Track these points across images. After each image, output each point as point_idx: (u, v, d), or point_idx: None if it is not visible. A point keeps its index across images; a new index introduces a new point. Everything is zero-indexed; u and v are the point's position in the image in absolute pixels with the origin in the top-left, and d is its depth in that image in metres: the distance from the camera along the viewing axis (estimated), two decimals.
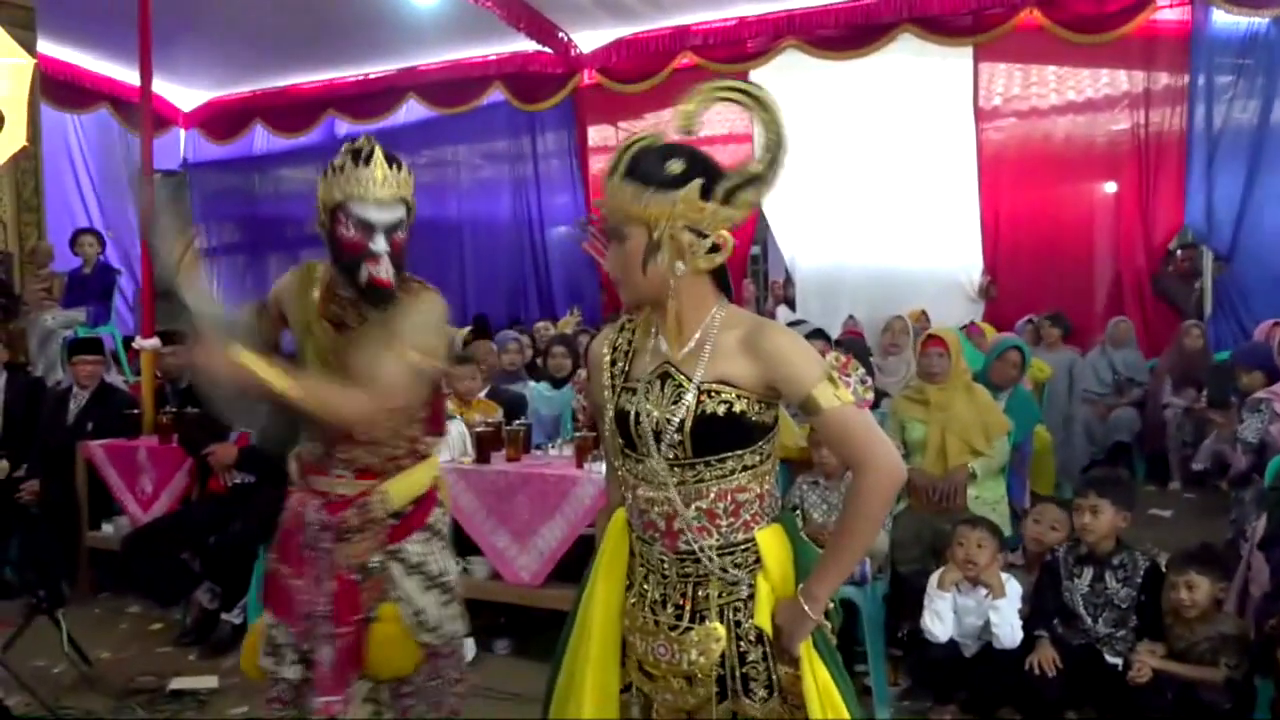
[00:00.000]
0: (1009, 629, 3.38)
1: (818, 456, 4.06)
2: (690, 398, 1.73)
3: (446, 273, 9.53)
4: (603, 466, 4.11)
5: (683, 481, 1.76)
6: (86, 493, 5.38)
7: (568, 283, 9.85)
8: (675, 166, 1.70)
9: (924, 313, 7.47)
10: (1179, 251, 8.01)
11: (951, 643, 3.51)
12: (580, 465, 4.21)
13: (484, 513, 4.20)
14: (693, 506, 1.76)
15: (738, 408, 1.72)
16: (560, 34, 9.02)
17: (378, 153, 2.20)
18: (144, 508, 5.17)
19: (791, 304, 8.98)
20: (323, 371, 2.24)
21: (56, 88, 8.95)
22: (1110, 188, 8.12)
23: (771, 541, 1.80)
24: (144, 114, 5.97)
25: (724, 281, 1.84)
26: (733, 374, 1.73)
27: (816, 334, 5.33)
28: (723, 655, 1.78)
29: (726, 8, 8.52)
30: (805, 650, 1.77)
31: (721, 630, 1.77)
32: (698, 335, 1.78)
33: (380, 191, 2.19)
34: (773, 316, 9.06)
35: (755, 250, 10.80)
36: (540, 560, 4.14)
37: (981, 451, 4.36)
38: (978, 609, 3.48)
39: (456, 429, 4.56)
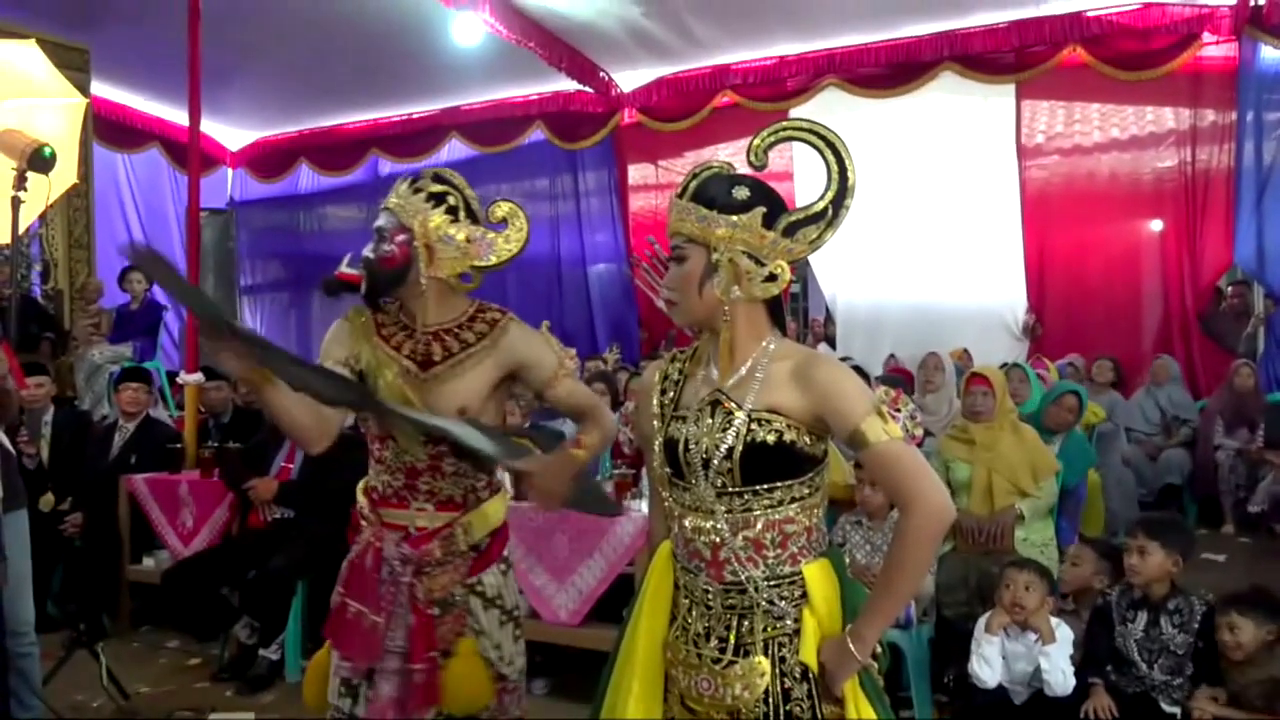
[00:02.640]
0: (1060, 676, 3.28)
1: (861, 495, 3.99)
2: (740, 425, 1.74)
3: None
4: (643, 505, 4.24)
5: (730, 510, 1.76)
6: (129, 526, 5.41)
7: (609, 321, 9.85)
8: (741, 193, 1.75)
9: (966, 351, 7.39)
10: (1229, 289, 7.86)
11: (1000, 689, 3.41)
12: (619, 503, 4.16)
13: (522, 550, 4.16)
14: (740, 536, 1.76)
15: (788, 437, 1.73)
16: (601, 73, 9.07)
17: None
18: (185, 542, 5.21)
19: (832, 342, 8.89)
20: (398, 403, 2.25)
21: (108, 128, 9.12)
22: (1156, 226, 7.98)
23: (819, 576, 1.78)
24: (191, 153, 6.09)
25: (779, 314, 1.86)
26: (783, 404, 1.74)
27: (856, 370, 5.22)
28: (766, 691, 1.75)
29: (766, 47, 8.53)
30: (851, 690, 1.74)
31: (766, 665, 1.75)
32: (749, 364, 1.80)
33: (385, 202, 2.30)
34: None
35: (795, 288, 10.74)
36: (579, 599, 4.11)
37: (1029, 492, 4.29)
38: (1027, 654, 3.38)
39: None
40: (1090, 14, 7.54)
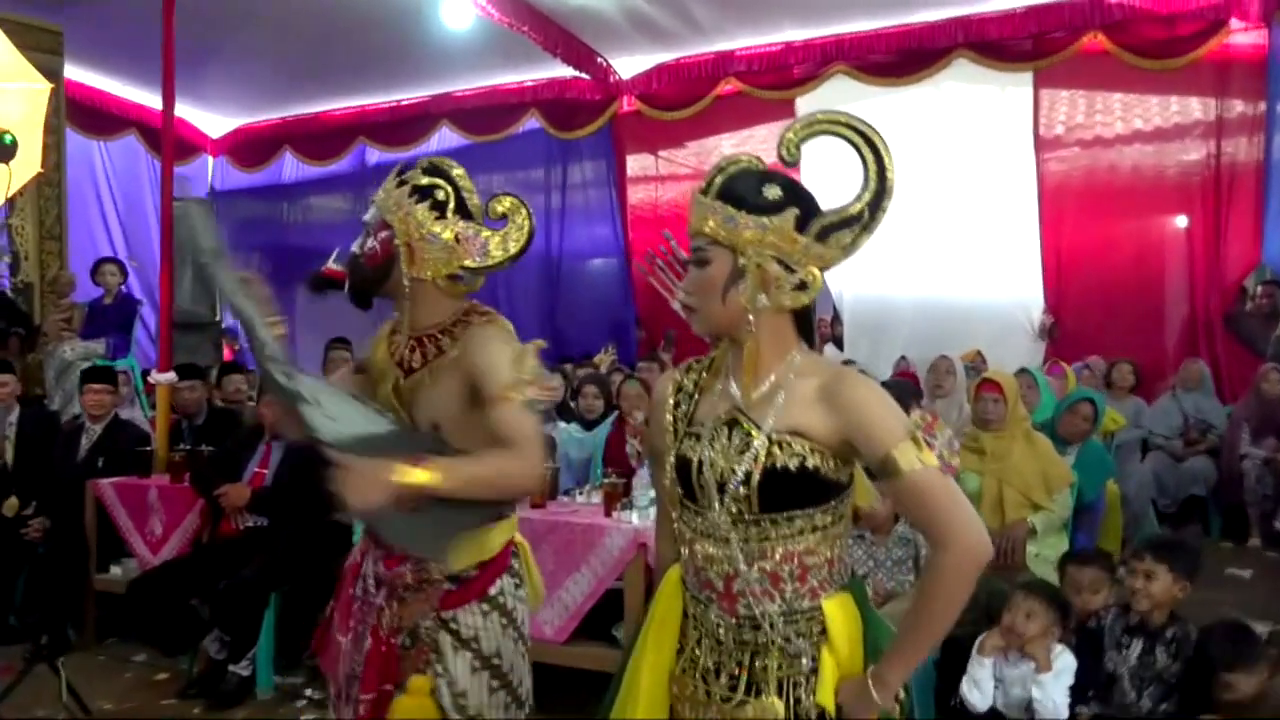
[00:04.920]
0: (1052, 706, 3.08)
1: (862, 510, 3.74)
2: (759, 448, 1.62)
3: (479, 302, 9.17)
4: (633, 516, 3.95)
5: (746, 539, 1.64)
6: (95, 533, 5.15)
7: (606, 318, 9.56)
8: (772, 192, 1.62)
9: (979, 353, 7.13)
10: (1258, 289, 7.59)
11: (995, 713, 3.20)
12: (609, 514, 4.02)
13: None
14: (755, 567, 1.64)
15: (811, 462, 1.60)
16: (598, 59, 8.81)
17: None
18: (153, 550, 4.97)
19: (839, 343, 8.60)
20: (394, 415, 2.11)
21: (83, 114, 8.82)
22: (1181, 222, 7.70)
23: (839, 612, 1.66)
24: (165, 139, 5.75)
25: (807, 326, 1.72)
26: (807, 425, 1.61)
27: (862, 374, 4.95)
28: None
29: (772, 32, 8.27)
30: None
31: (779, 706, 1.64)
32: (772, 379, 1.67)
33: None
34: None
35: None
36: (565, 615, 3.97)
37: (1041, 505, 4.15)
38: (1022, 680, 3.18)
39: None
40: None
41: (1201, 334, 7.53)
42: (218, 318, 10.34)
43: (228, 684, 4.31)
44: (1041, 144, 7.84)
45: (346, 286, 2.11)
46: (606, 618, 4.00)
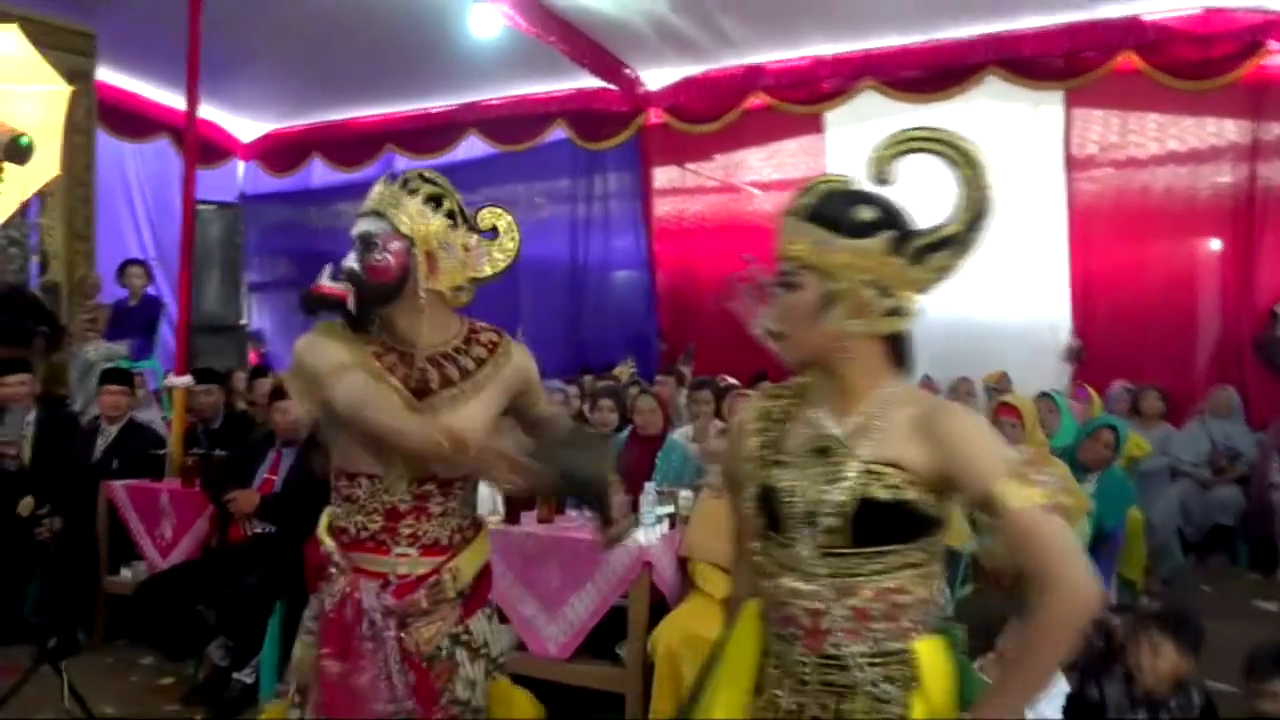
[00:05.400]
0: None
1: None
2: (852, 478, 1.55)
3: (502, 315, 9.09)
4: (640, 534, 3.87)
5: (835, 574, 1.57)
6: (107, 534, 5.18)
7: (628, 331, 9.48)
8: (866, 214, 1.56)
9: (1004, 375, 7.04)
10: None
11: None
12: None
13: (510, 577, 3.94)
14: (844, 604, 1.56)
15: (906, 495, 1.53)
16: (626, 71, 8.75)
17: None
18: (163, 554, 5.00)
19: None
20: None
21: (115, 116, 8.85)
22: (1214, 245, 7.56)
23: (933, 656, 1.58)
24: (187, 140, 5.77)
25: (903, 352, 1.64)
26: (903, 457, 1.55)
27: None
28: None
29: (801, 46, 8.18)
30: None
31: None
32: (865, 409, 1.60)
33: (364, 205, 2.02)
34: None
35: None
36: (569, 632, 3.94)
37: None
38: None
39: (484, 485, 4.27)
40: (1147, 18, 7.17)
41: (1231, 360, 7.38)
42: (243, 320, 10.40)
43: (231, 691, 4.29)
44: (1073, 163, 7.72)
45: (351, 304, 1.98)
46: (610, 635, 3.98)
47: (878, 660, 1.57)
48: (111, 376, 5.60)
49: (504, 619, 3.93)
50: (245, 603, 4.25)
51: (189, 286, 5.72)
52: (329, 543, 2.08)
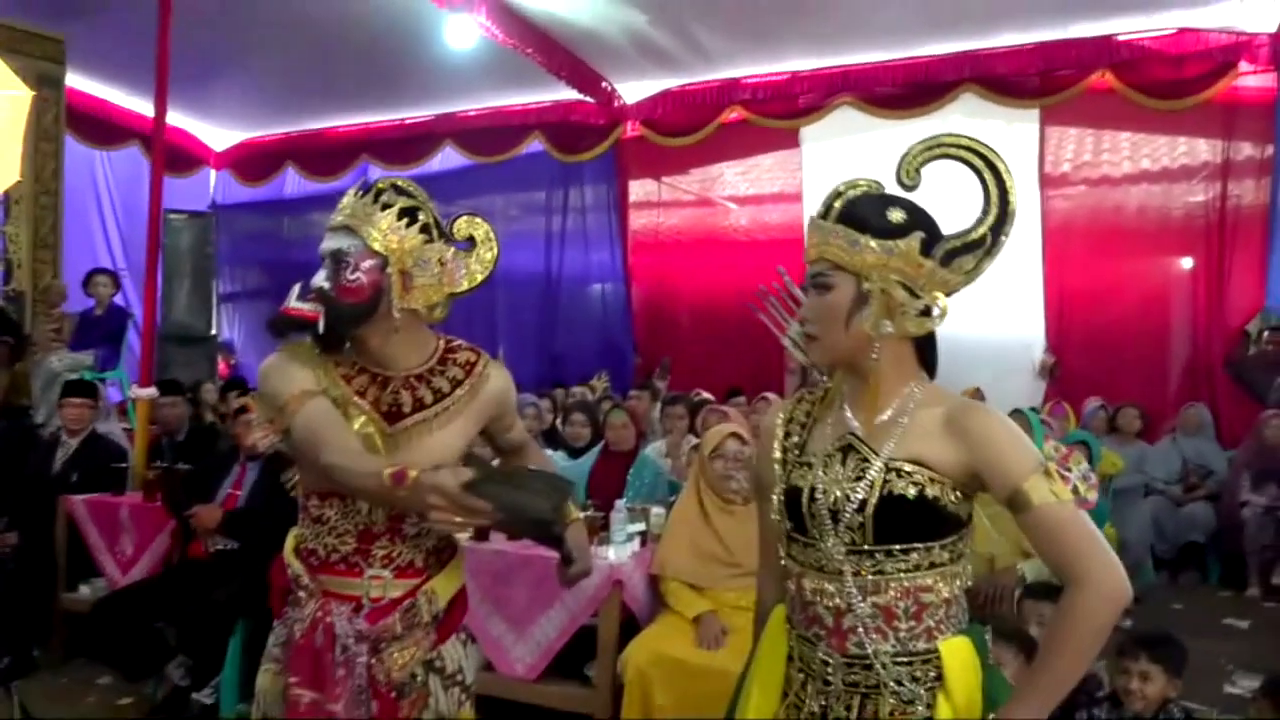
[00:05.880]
0: None
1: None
2: (875, 475, 1.57)
3: (477, 327, 9.17)
4: (609, 552, 3.82)
5: (859, 571, 1.57)
6: (65, 550, 5.04)
7: (604, 344, 9.46)
8: (896, 216, 1.58)
9: (978, 391, 7.01)
10: (1265, 334, 7.48)
11: None
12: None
13: (478, 595, 3.82)
14: (868, 601, 1.57)
15: (930, 492, 1.54)
16: (604, 83, 8.74)
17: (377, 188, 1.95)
18: (123, 570, 4.87)
19: None
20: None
21: (84, 123, 8.76)
22: (1185, 264, 7.64)
23: (958, 656, 1.58)
24: (155, 147, 5.68)
25: (929, 354, 1.67)
26: (929, 455, 1.56)
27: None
28: None
29: (778, 61, 8.20)
30: None
31: None
32: (892, 409, 1.62)
33: (333, 219, 1.90)
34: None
35: None
36: (537, 652, 3.86)
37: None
38: None
39: None
40: (1121, 38, 7.25)
41: (1203, 378, 7.45)
42: (214, 331, 10.28)
43: (191, 711, 4.16)
44: (1046, 181, 7.77)
45: (322, 326, 1.87)
46: (579, 656, 3.90)
47: (903, 659, 1.57)
48: (74, 388, 5.49)
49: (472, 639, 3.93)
50: (206, 621, 4.13)
51: (154, 296, 5.63)
52: (296, 565, 1.98)
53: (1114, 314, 7.63)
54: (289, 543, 2.03)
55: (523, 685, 3.84)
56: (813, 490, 1.62)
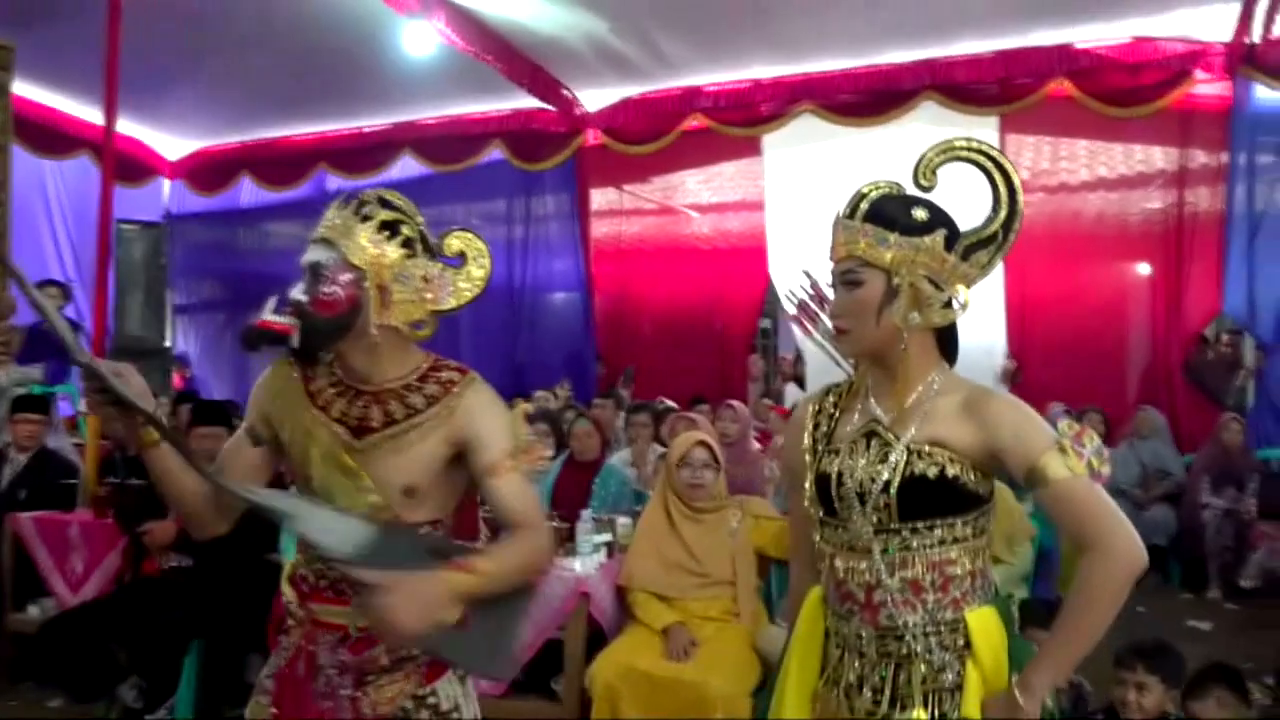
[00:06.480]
0: None
1: None
2: (898, 457, 1.69)
3: (438, 339, 8.94)
4: (575, 564, 3.81)
5: (886, 548, 1.70)
6: (13, 570, 4.92)
7: (566, 353, 9.38)
8: (920, 214, 1.71)
9: None
10: (1222, 337, 7.58)
11: None
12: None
13: None
14: (897, 576, 1.69)
15: (950, 471, 1.66)
16: (564, 91, 8.67)
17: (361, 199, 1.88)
18: (73, 589, 4.77)
19: (801, 382, 8.50)
20: (337, 480, 1.85)
21: (34, 132, 8.54)
22: (1143, 270, 7.74)
23: (984, 625, 1.69)
24: (105, 157, 5.58)
25: (951, 344, 1.80)
26: (948, 437, 1.68)
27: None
28: None
29: (739, 69, 8.16)
30: None
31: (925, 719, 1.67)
32: (914, 396, 1.74)
33: (316, 230, 1.84)
34: (780, 396, 8.58)
35: (765, 324, 10.35)
36: None
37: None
38: None
39: None
40: (1079, 46, 7.28)
41: (1162, 382, 7.52)
42: (168, 343, 10.09)
43: None
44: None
45: (296, 340, 1.82)
46: (545, 670, 3.85)
47: (931, 629, 1.68)
48: (25, 404, 5.37)
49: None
50: (160, 641, 4.05)
51: (104, 307, 5.50)
52: (289, 592, 1.91)
53: (1074, 320, 7.68)
54: (286, 569, 1.96)
55: (488, 700, 3.73)
56: (840, 475, 1.74)
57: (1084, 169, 7.76)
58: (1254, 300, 7.08)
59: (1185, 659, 3.17)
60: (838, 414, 1.84)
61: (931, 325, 1.71)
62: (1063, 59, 7.32)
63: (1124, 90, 7.28)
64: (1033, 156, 7.85)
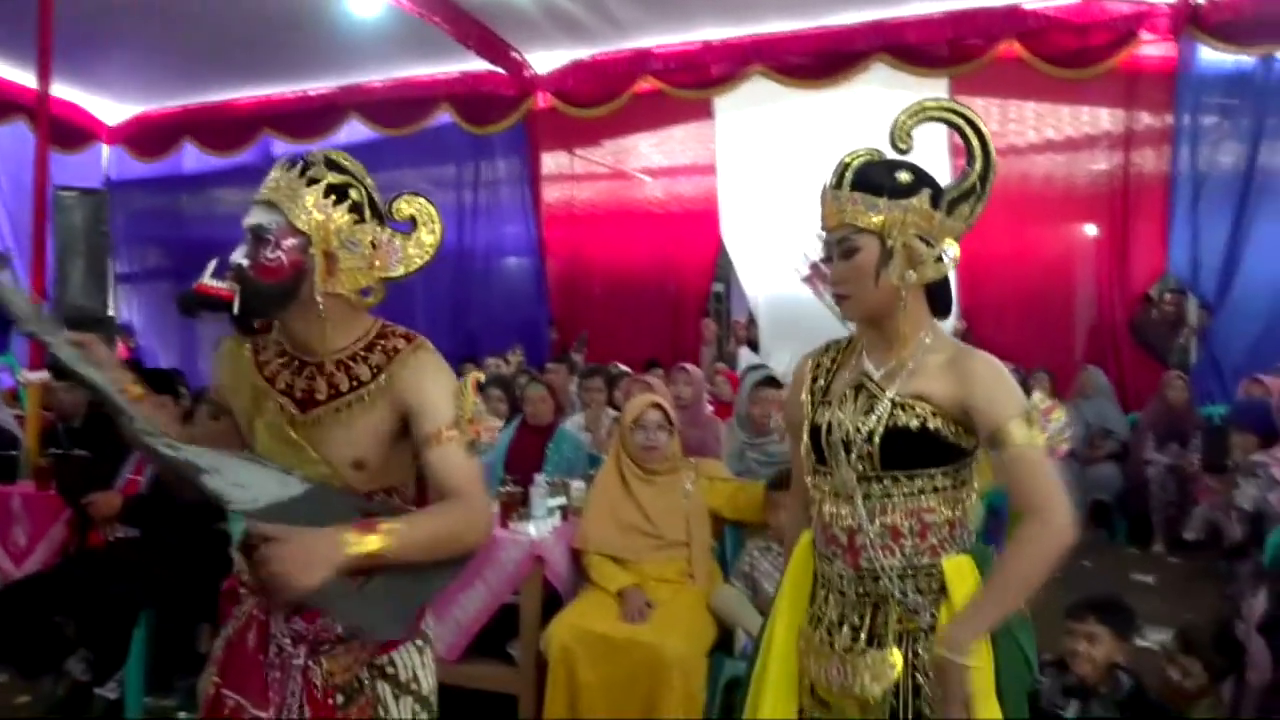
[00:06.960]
0: None
1: (774, 520, 3.58)
2: (882, 409, 1.77)
3: (390, 305, 8.85)
4: (530, 528, 3.78)
5: (868, 495, 1.79)
6: None
7: (519, 319, 9.32)
8: (904, 176, 1.77)
9: None
10: (1166, 296, 7.70)
11: None
12: (504, 525, 3.82)
13: None
14: (877, 522, 1.78)
15: (931, 424, 1.75)
16: (513, 53, 8.57)
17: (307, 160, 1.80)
18: (17, 562, 4.66)
19: (754, 346, 8.54)
20: (283, 453, 1.79)
21: None
22: (1090, 231, 7.81)
23: (958, 572, 1.77)
24: (40, 122, 5.43)
25: (943, 300, 1.87)
26: (931, 391, 1.77)
27: (771, 381, 4.77)
28: (896, 685, 1.76)
29: (690, 30, 8.12)
30: (983, 691, 1.68)
31: (898, 658, 1.76)
32: (905, 352, 1.82)
33: (260, 191, 1.76)
34: (734, 359, 8.60)
35: (718, 288, 10.36)
36: (457, 632, 3.80)
37: None
38: None
39: None
40: (1027, 7, 7.34)
41: (1108, 341, 7.61)
42: (111, 312, 9.88)
43: (94, 708, 4.04)
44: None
45: (236, 306, 1.75)
46: (501, 634, 3.84)
47: (907, 573, 1.77)
48: None
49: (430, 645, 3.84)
50: (108, 613, 3.98)
51: (43, 275, 5.37)
52: (240, 561, 1.85)
53: (1022, 281, 7.75)
54: (235, 538, 1.92)
55: (443, 666, 3.72)
56: (829, 425, 1.83)
57: (1032, 130, 7.80)
58: (1197, 260, 7.19)
59: (1135, 612, 3.22)
60: (834, 369, 1.93)
61: (926, 280, 1.78)
62: (1012, 19, 7.37)
63: (1071, 52, 7.33)
64: (981, 118, 7.87)
